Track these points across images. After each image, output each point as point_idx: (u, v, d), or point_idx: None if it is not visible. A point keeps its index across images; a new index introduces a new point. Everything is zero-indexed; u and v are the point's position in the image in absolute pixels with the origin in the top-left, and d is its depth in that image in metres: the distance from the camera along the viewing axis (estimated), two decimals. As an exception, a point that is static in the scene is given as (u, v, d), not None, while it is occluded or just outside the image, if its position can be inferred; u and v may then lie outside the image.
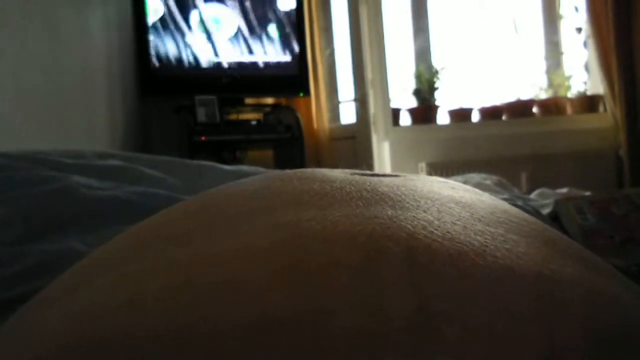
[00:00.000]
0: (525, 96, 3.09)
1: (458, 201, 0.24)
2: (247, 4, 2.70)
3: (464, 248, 0.18)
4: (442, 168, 2.70)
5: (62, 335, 0.16)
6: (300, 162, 2.62)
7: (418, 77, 3.00)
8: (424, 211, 0.21)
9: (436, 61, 3.06)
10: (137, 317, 0.16)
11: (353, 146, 2.83)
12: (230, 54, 2.68)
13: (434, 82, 2.98)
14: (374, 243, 0.18)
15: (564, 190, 1.20)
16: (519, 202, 0.90)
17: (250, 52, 2.71)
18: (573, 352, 0.15)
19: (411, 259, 0.17)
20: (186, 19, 2.63)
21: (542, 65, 3.19)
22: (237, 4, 2.69)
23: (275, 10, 2.75)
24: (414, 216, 0.20)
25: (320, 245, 0.18)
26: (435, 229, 0.19)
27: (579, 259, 0.21)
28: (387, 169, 2.83)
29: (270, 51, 2.74)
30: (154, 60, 2.56)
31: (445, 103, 3.02)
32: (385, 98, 2.86)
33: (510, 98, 3.07)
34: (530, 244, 0.20)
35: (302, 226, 0.19)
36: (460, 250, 0.18)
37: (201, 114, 2.48)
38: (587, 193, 1.04)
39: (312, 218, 0.20)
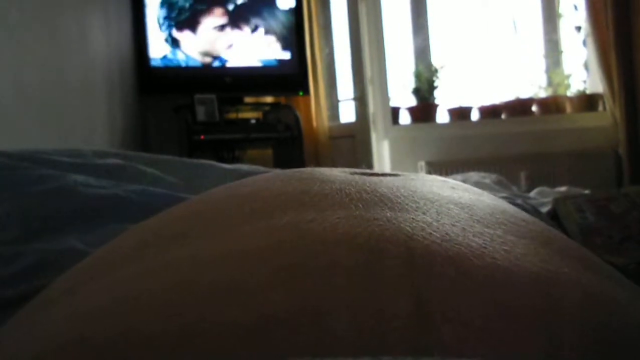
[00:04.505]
0: (524, 95, 3.09)
1: (457, 202, 0.24)
2: (247, 2, 2.70)
3: (463, 250, 0.18)
4: (441, 167, 2.70)
5: (62, 335, 0.17)
6: (299, 161, 2.61)
7: (417, 75, 3.00)
8: (423, 213, 0.21)
9: (435, 60, 3.06)
10: (137, 317, 0.16)
11: (352, 145, 2.83)
12: (230, 52, 2.68)
13: (433, 81, 2.98)
14: (373, 244, 0.18)
15: (563, 188, 1.20)
16: (519, 201, 0.90)
17: (250, 50, 2.71)
18: (571, 353, 0.15)
19: (410, 261, 0.17)
20: (185, 18, 2.62)
21: (542, 63, 3.19)
22: (237, 3, 2.69)
23: (274, 8, 2.75)
24: (413, 218, 0.20)
25: (319, 247, 0.18)
26: (434, 231, 0.19)
27: (577, 259, 0.21)
28: (387, 168, 2.83)
29: (269, 50, 2.73)
30: (153, 58, 2.55)
31: (445, 102, 3.02)
32: (385, 97, 2.86)
33: (510, 97, 3.07)
34: (528, 245, 0.20)
35: (301, 228, 0.20)
36: (458, 251, 0.18)
37: (200, 113, 2.48)
38: (586, 191, 1.04)
39: (311, 220, 0.20)
